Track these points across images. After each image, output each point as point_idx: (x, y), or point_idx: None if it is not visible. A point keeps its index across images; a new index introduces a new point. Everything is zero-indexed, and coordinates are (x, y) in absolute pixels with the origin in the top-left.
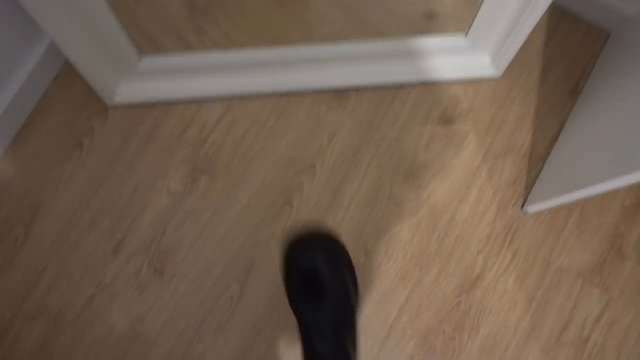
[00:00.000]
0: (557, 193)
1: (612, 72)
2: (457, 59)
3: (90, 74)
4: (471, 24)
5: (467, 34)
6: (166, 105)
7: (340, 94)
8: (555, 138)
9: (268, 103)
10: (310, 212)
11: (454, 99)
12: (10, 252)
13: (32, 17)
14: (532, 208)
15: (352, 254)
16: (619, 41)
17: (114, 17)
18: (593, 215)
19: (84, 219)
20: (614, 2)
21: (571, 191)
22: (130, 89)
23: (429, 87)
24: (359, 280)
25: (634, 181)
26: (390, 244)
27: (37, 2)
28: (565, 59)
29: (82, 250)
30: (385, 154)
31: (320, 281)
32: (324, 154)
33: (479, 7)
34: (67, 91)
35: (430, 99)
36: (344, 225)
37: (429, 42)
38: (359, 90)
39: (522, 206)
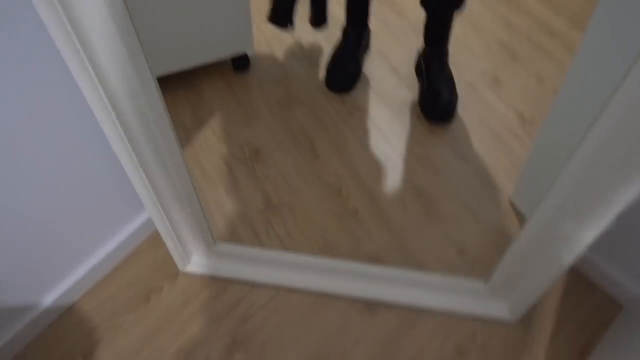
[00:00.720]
0: None
1: (622, 344)
2: (477, 300)
3: (172, 245)
4: (492, 274)
5: (487, 281)
6: (226, 281)
7: (370, 305)
8: None
9: (309, 297)
10: None
11: (470, 334)
12: None
13: (142, 204)
14: None
15: None
16: (630, 317)
17: (201, 208)
18: None
19: None
20: (626, 281)
21: None
22: (201, 263)
23: (450, 317)
24: None
25: None
26: None
27: (147, 193)
28: (578, 320)
29: None
30: None
31: None
32: (347, 356)
33: (500, 262)
34: (152, 252)
35: (449, 328)
36: None
37: (454, 281)
38: (387, 305)
39: None
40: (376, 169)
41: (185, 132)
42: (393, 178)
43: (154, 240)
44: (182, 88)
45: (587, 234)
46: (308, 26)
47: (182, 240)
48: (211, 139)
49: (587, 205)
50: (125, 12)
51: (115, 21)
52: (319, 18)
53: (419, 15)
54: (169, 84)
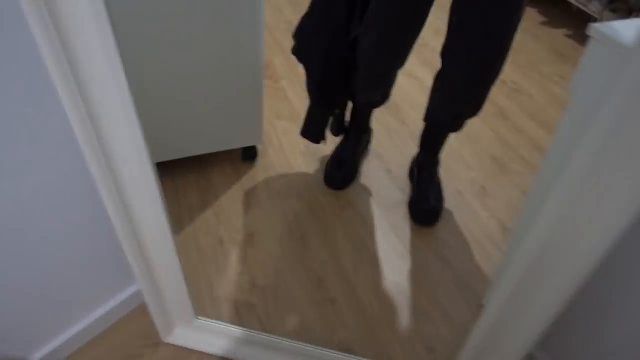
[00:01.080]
0: None
1: None
2: None
3: (157, 316)
4: None
5: None
6: (204, 354)
7: None
8: None
9: None
10: None
11: None
12: None
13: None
14: None
15: None
16: None
17: (186, 286)
18: None
19: None
20: None
21: None
22: (182, 335)
23: None
24: None
25: None
26: None
27: (139, 269)
28: None
29: None
30: None
31: None
32: None
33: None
34: (138, 320)
35: None
36: None
37: None
38: None
39: None
40: (359, 262)
41: (189, 212)
42: (374, 272)
43: (142, 309)
44: (194, 171)
45: (531, 329)
46: None
47: (166, 312)
48: (212, 220)
49: (529, 303)
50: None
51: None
52: (339, 128)
53: (419, 125)
54: (183, 167)
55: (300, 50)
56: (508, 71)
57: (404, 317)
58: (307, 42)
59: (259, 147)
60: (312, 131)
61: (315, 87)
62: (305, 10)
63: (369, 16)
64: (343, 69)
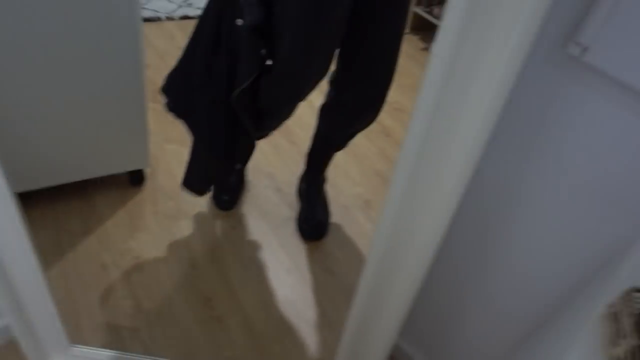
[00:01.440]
0: None
1: None
2: None
3: (29, 349)
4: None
5: None
6: None
7: None
8: None
9: None
10: None
11: None
12: None
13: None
14: None
15: None
16: None
17: (59, 318)
18: None
19: None
20: None
21: None
22: None
23: None
24: None
25: None
26: None
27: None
28: None
29: None
30: None
31: None
32: None
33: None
34: (11, 354)
35: None
36: None
37: None
38: None
39: None
40: (248, 279)
41: (70, 239)
42: (262, 288)
43: (13, 342)
44: (76, 197)
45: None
46: None
47: (38, 343)
48: (95, 246)
49: (385, 298)
50: None
51: None
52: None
53: (308, 144)
54: (64, 192)
55: (179, 106)
56: (391, 93)
57: (292, 331)
58: (186, 96)
59: (147, 171)
60: (198, 182)
61: (207, 143)
62: (176, 63)
63: (290, 47)
64: (233, 117)
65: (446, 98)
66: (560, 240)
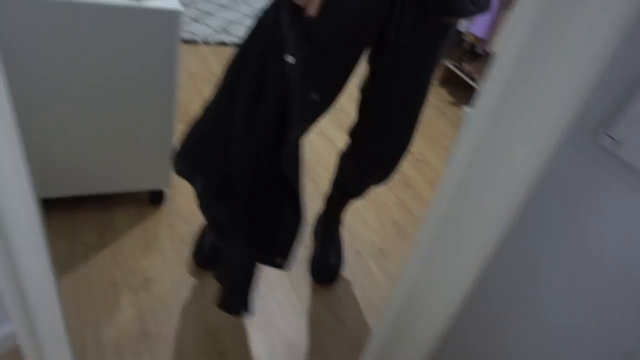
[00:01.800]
0: None
1: None
2: None
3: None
4: None
5: None
6: None
7: None
8: None
9: None
10: None
11: None
12: None
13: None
14: None
15: None
16: None
17: (67, 336)
18: None
19: None
20: None
21: None
22: None
23: None
24: None
25: None
26: None
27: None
28: None
29: None
30: None
31: None
32: None
33: None
34: None
35: None
36: None
37: None
38: None
39: None
40: (256, 315)
41: (85, 251)
42: (269, 326)
43: (16, 351)
44: (95, 209)
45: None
46: None
47: (42, 353)
48: (107, 261)
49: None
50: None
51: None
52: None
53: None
54: (84, 203)
55: (198, 171)
56: (415, 143)
57: None
58: (216, 159)
59: (168, 193)
60: (238, 298)
61: (245, 223)
62: (201, 114)
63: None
64: (278, 183)
65: (476, 177)
66: (581, 333)
